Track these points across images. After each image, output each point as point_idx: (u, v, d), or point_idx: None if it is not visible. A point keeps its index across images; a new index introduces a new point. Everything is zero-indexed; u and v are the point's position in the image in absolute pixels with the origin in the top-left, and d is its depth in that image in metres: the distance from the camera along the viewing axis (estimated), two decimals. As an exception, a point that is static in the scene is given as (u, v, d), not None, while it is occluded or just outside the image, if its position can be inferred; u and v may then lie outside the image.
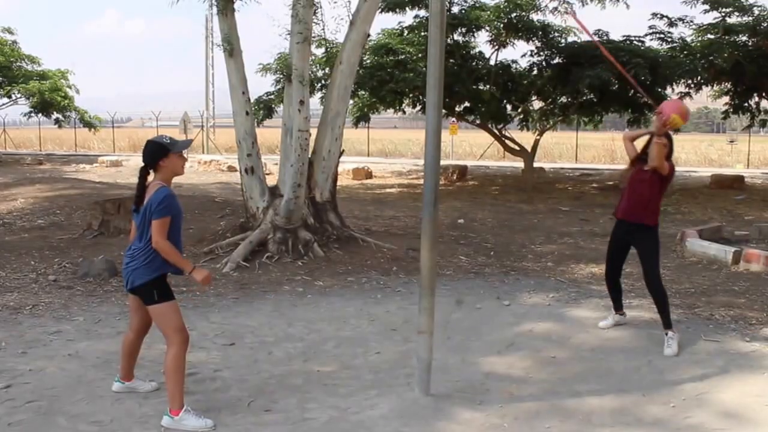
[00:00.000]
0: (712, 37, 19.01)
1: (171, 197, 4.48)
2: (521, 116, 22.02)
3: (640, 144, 6.44)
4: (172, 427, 4.46)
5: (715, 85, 21.20)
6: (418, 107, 21.56)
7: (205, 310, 7.28)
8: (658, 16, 19.74)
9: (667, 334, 6.09)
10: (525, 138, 23.04)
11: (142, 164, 4.63)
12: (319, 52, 19.02)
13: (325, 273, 9.01)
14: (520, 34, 19.68)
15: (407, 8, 19.71)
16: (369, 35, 11.82)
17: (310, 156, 10.21)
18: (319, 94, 18.70)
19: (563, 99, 21.05)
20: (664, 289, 6.32)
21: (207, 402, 4.90)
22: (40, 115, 31.03)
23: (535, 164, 22.75)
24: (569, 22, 19.24)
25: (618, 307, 6.80)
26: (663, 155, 5.97)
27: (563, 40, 19.70)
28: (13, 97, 30.79)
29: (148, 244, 4.48)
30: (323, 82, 18.89)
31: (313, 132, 10.47)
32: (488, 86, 20.19)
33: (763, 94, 20.81)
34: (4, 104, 32.19)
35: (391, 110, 22.61)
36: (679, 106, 6.20)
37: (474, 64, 20.55)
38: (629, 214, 6.29)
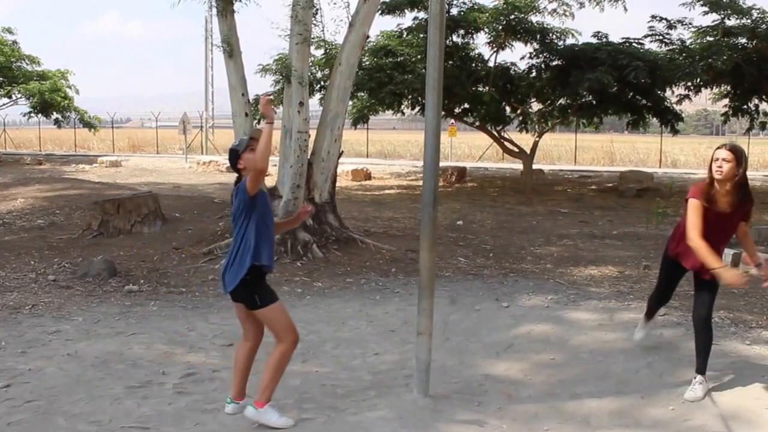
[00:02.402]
0: (711, 39, 19.06)
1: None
2: (520, 118, 22.07)
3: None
4: (254, 418, 4.49)
5: (714, 87, 21.25)
6: (417, 109, 21.60)
7: (204, 311, 7.28)
8: (657, 18, 19.79)
9: (695, 378, 5.24)
10: (524, 140, 23.08)
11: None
12: (319, 53, 19.07)
13: (324, 274, 9.01)
14: (518, 36, 19.74)
15: (406, 10, 19.76)
16: (368, 37, 11.83)
17: (309, 157, 10.22)
18: (318, 96, 18.76)
19: (562, 101, 21.09)
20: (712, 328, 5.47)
21: (205, 402, 4.90)
22: (39, 115, 31.02)
23: (534, 166, 22.79)
24: (568, 23, 19.34)
25: (650, 316, 6.12)
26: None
27: (562, 43, 19.74)
28: (14, 97, 30.79)
29: (238, 240, 4.40)
30: (322, 83, 18.93)
31: (312, 133, 10.48)
32: (487, 88, 20.23)
33: (763, 97, 20.86)
34: (4, 104, 32.20)
35: (390, 112, 22.65)
36: None
37: (473, 65, 20.61)
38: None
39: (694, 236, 4.96)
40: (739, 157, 5.02)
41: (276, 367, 4.50)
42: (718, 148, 5.12)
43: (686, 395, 5.10)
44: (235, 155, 4.49)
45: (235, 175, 4.52)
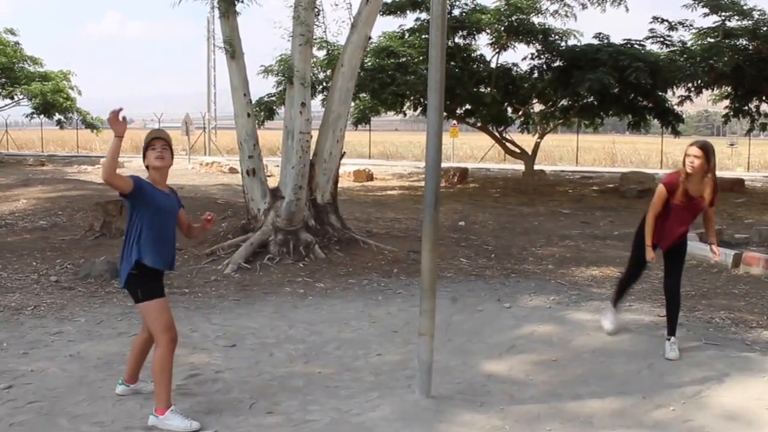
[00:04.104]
0: (712, 40, 19.07)
1: (138, 178, 4.51)
2: (522, 119, 22.08)
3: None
4: (158, 426, 4.48)
5: (715, 88, 21.26)
6: (419, 110, 21.61)
7: (207, 312, 7.29)
8: (659, 20, 19.80)
9: (669, 339, 6.08)
10: (525, 141, 23.09)
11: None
12: (321, 54, 19.08)
13: (326, 275, 9.02)
14: (520, 37, 19.75)
15: (408, 11, 19.79)
16: (370, 38, 11.84)
17: (311, 158, 10.23)
18: (320, 97, 18.76)
19: (564, 102, 21.09)
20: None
21: (208, 404, 4.91)
22: (42, 116, 31.07)
23: (536, 167, 22.80)
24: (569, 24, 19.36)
25: (616, 304, 6.71)
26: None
27: (563, 44, 19.75)
28: (16, 98, 30.83)
29: (125, 236, 4.53)
30: (324, 84, 18.92)
31: (315, 134, 10.49)
32: (489, 89, 20.25)
33: (763, 98, 20.88)
34: (6, 105, 32.25)
35: (392, 113, 22.68)
36: None
37: (475, 66, 20.63)
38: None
39: (650, 215, 6.01)
40: (707, 153, 5.85)
41: (159, 370, 4.51)
42: (691, 145, 5.96)
43: (668, 354, 5.95)
44: (143, 152, 4.67)
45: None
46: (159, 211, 4.56)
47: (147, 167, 4.66)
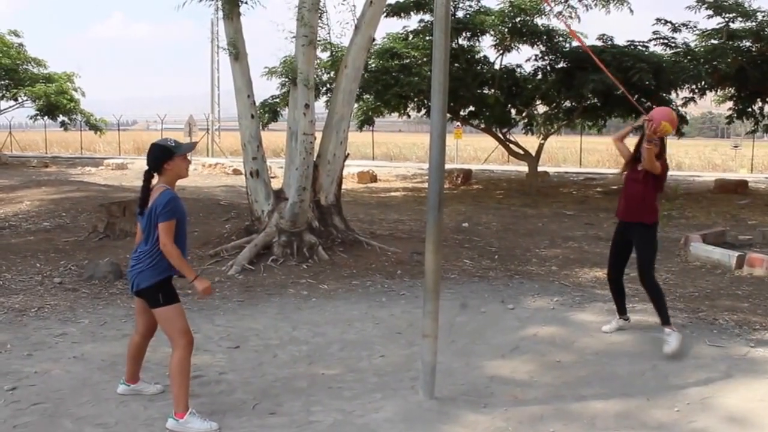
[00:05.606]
0: (715, 42, 19.06)
1: (176, 200, 4.52)
2: (525, 120, 22.07)
3: (632, 143, 6.51)
4: (177, 429, 4.48)
5: (719, 90, 21.25)
6: (423, 111, 21.61)
7: (210, 313, 7.30)
8: (662, 21, 19.78)
9: (664, 331, 6.12)
10: (529, 142, 23.08)
11: (146, 167, 4.66)
12: (325, 55, 19.10)
13: (330, 276, 9.02)
14: (524, 38, 19.75)
15: (412, 13, 19.79)
16: (374, 39, 11.85)
17: (315, 159, 10.23)
18: (324, 98, 18.78)
19: (567, 103, 21.08)
20: (658, 285, 6.41)
21: (212, 405, 4.91)
22: (46, 117, 31.14)
23: (540, 168, 22.80)
24: (573, 26, 19.33)
25: (621, 311, 6.78)
26: (653, 157, 6.02)
27: (567, 45, 19.74)
28: (20, 99, 30.91)
29: (154, 246, 4.51)
30: (328, 85, 18.95)
31: (318, 135, 10.49)
32: (493, 90, 20.24)
33: (767, 99, 20.84)
34: (10, 107, 32.33)
35: (396, 114, 22.67)
36: (669, 114, 6.18)
37: (479, 68, 20.62)
38: (626, 213, 6.38)
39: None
40: None
41: (177, 373, 4.51)
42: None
43: (664, 349, 5.95)
44: (167, 154, 4.59)
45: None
46: (184, 219, 4.63)
47: (164, 169, 4.61)
